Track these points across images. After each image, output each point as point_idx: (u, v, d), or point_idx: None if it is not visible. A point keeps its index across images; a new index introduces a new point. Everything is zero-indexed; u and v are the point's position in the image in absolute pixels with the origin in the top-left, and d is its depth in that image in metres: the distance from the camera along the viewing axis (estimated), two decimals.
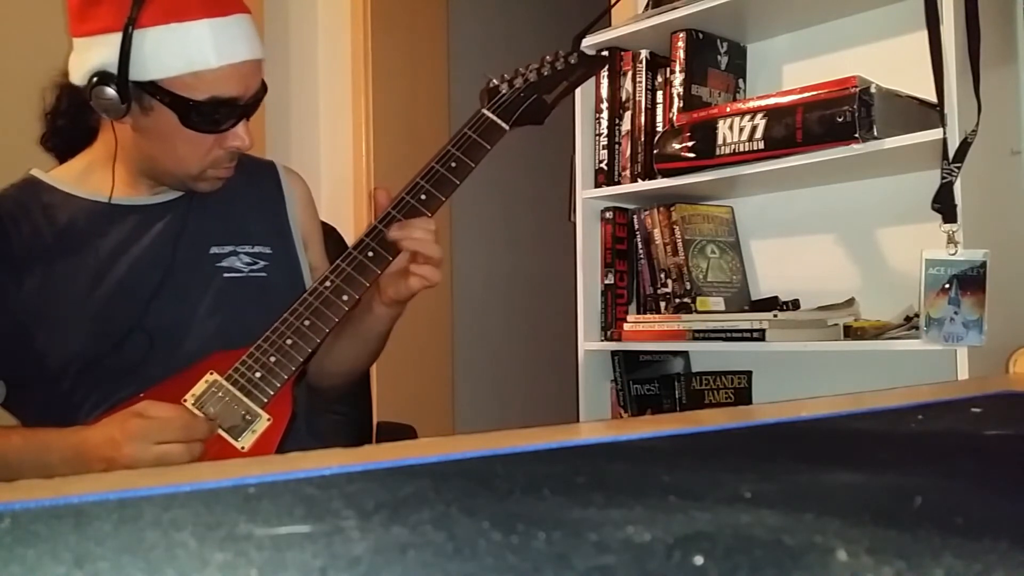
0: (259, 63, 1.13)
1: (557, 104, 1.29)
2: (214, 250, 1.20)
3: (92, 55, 1.08)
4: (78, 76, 1.10)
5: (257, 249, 1.23)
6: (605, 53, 1.88)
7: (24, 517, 0.35)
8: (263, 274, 1.21)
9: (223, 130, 1.11)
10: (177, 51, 1.05)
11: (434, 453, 0.50)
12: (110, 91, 1.06)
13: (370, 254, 1.13)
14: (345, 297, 1.11)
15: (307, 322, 1.10)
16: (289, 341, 1.09)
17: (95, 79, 1.06)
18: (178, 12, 1.05)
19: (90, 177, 1.18)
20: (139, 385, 1.09)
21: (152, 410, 1.01)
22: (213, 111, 1.08)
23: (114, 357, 1.10)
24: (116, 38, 1.04)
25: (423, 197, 1.16)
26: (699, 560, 0.29)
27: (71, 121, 1.20)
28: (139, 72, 1.06)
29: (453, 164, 1.18)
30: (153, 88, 1.06)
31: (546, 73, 1.27)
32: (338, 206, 2.58)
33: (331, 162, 2.69)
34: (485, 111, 1.22)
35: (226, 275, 1.19)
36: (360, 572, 0.28)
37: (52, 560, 0.30)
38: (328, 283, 1.12)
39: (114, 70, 1.05)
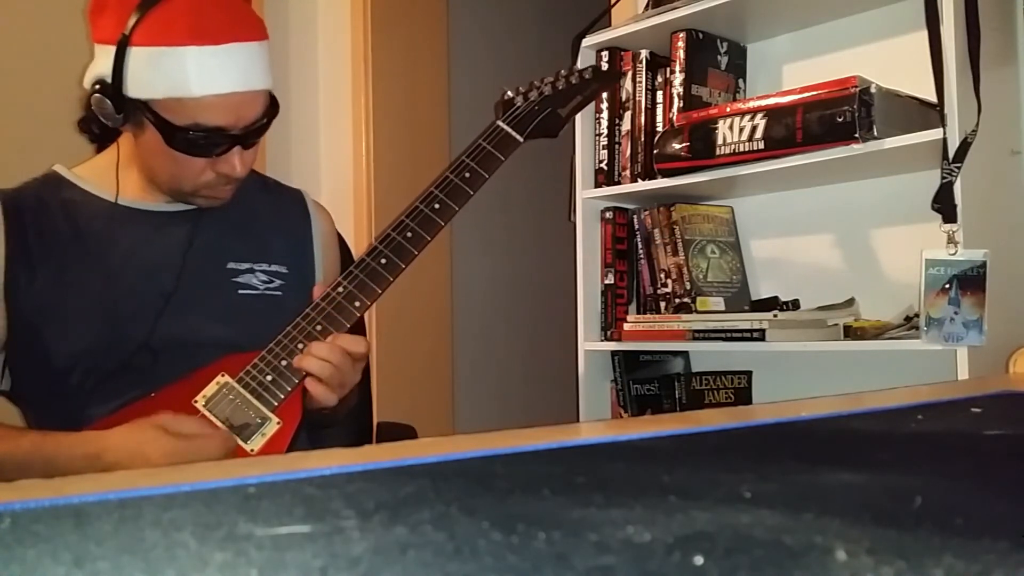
0: (257, 93, 1.10)
1: (571, 118, 1.29)
2: (231, 265, 1.19)
3: (97, 62, 1.09)
4: (86, 80, 1.11)
5: (274, 268, 1.22)
6: (605, 54, 1.88)
7: (24, 517, 0.35)
8: (278, 293, 1.21)
9: (212, 155, 1.10)
10: (162, 75, 1.04)
11: (434, 453, 0.50)
12: (107, 102, 1.07)
13: (383, 261, 1.13)
14: (357, 303, 1.11)
15: (319, 327, 1.09)
16: (301, 345, 1.09)
17: (96, 87, 1.07)
18: (166, 36, 1.04)
19: (110, 177, 1.18)
20: (149, 386, 1.09)
21: (176, 425, 1.01)
22: (198, 137, 1.07)
23: (121, 369, 1.10)
24: (113, 51, 1.05)
25: (437, 207, 1.16)
26: (699, 560, 0.29)
27: None
28: (129, 88, 1.06)
29: (467, 175, 1.18)
30: (142, 106, 1.07)
31: (561, 87, 1.28)
32: (338, 208, 2.58)
33: (331, 163, 2.69)
34: (500, 123, 1.23)
35: (241, 291, 1.19)
36: (360, 572, 0.28)
37: (52, 560, 0.30)
38: (341, 289, 1.12)
39: (111, 81, 1.06)
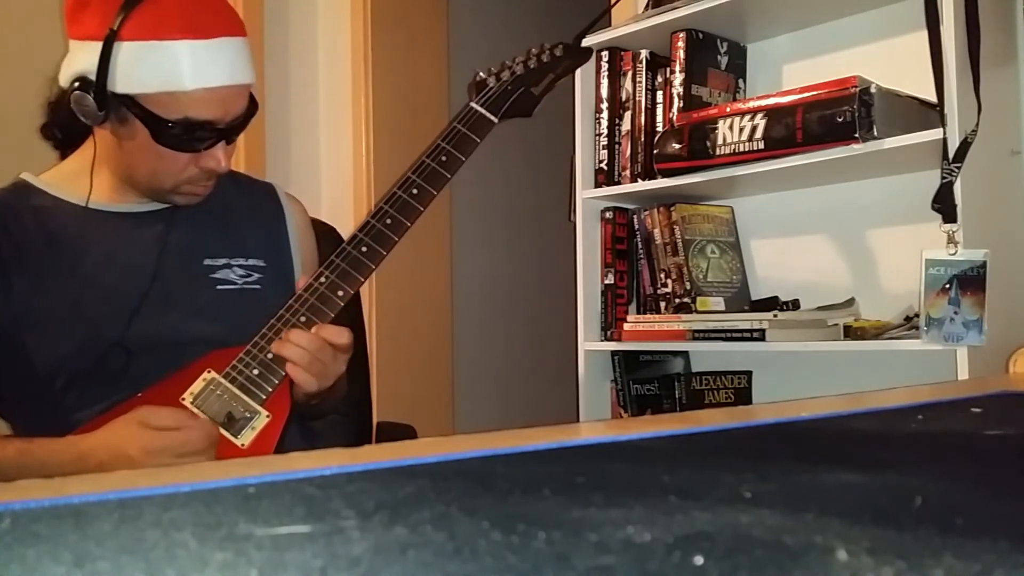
0: (243, 88, 1.11)
1: (544, 96, 1.29)
2: (207, 262, 1.19)
3: (77, 59, 1.08)
4: (63, 78, 1.10)
5: (251, 262, 1.22)
6: (605, 54, 1.88)
7: (24, 517, 0.35)
8: (257, 286, 1.21)
9: (198, 150, 1.10)
10: (152, 69, 1.04)
11: (434, 453, 0.50)
12: (89, 98, 1.06)
13: (364, 249, 1.13)
14: (340, 293, 1.11)
15: (303, 318, 1.09)
16: None
17: (76, 84, 1.06)
18: (158, 30, 1.04)
19: (79, 181, 1.17)
20: (134, 387, 1.09)
21: (155, 419, 1.01)
22: (186, 132, 1.07)
23: (97, 369, 1.10)
24: (99, 46, 1.04)
25: (415, 191, 1.16)
26: (699, 560, 0.29)
27: (72, 112, 1.20)
28: (116, 84, 1.05)
29: (443, 158, 1.18)
30: (129, 101, 1.06)
31: (532, 65, 1.28)
32: (338, 207, 2.59)
33: (331, 162, 2.70)
34: (473, 104, 1.23)
35: (219, 287, 1.18)
36: (360, 572, 0.28)
37: (52, 560, 0.30)
38: (323, 279, 1.11)
39: (94, 77, 1.05)
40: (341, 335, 1.10)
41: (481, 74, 1.27)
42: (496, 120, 1.22)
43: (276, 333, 1.08)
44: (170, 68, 1.04)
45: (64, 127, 1.20)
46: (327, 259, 1.15)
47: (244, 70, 1.10)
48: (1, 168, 1.25)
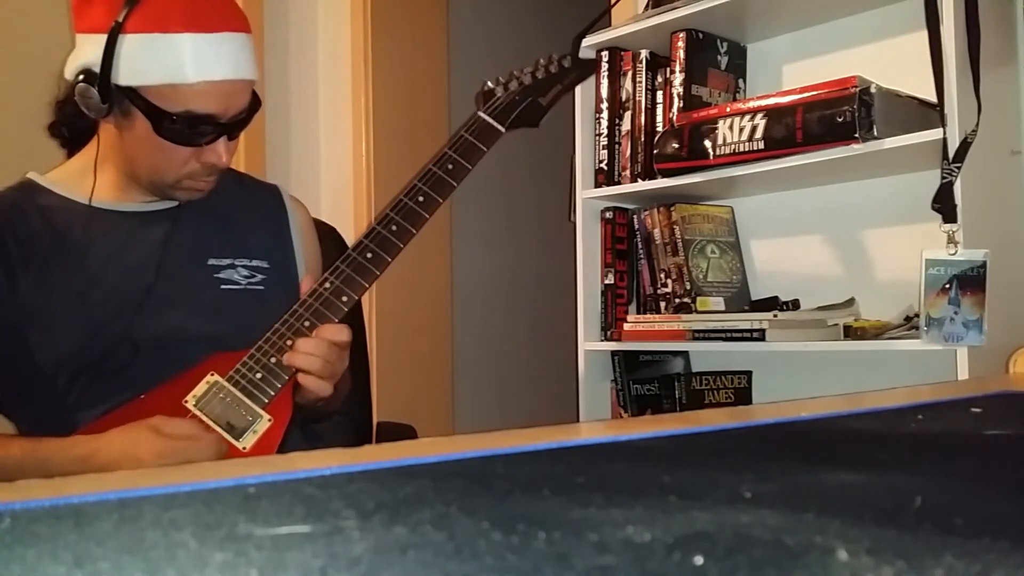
0: (246, 83, 1.12)
1: (552, 106, 1.29)
2: (212, 262, 1.19)
3: (82, 52, 1.09)
4: (69, 71, 1.11)
5: (255, 263, 1.22)
6: (605, 54, 1.88)
7: (24, 517, 0.35)
8: (261, 287, 1.21)
9: (199, 144, 1.11)
10: (156, 61, 1.05)
11: (434, 453, 0.50)
12: (93, 91, 1.07)
13: (369, 255, 1.14)
14: (344, 298, 1.11)
15: (307, 323, 1.09)
16: (289, 342, 1.09)
17: (81, 76, 1.07)
18: (162, 23, 1.05)
19: (85, 180, 1.17)
20: (138, 388, 1.09)
21: (169, 427, 1.01)
22: (187, 125, 1.08)
23: (101, 365, 1.10)
24: (103, 39, 1.05)
25: (421, 199, 1.16)
26: (699, 560, 0.29)
27: (78, 110, 1.20)
28: (120, 76, 1.06)
29: (450, 166, 1.18)
30: (132, 94, 1.07)
31: (540, 76, 1.29)
32: (338, 207, 2.59)
33: (331, 163, 2.70)
34: (481, 114, 1.24)
35: (223, 287, 1.18)
36: (360, 572, 0.28)
37: (52, 560, 0.30)
38: (327, 284, 1.12)
39: (99, 70, 1.06)
40: (341, 333, 1.11)
41: (489, 84, 1.28)
42: (503, 130, 1.23)
43: (280, 337, 1.09)
44: (173, 60, 1.05)
45: (72, 125, 1.21)
46: (329, 260, 1.15)
47: (247, 65, 1.11)
48: (7, 167, 1.26)
